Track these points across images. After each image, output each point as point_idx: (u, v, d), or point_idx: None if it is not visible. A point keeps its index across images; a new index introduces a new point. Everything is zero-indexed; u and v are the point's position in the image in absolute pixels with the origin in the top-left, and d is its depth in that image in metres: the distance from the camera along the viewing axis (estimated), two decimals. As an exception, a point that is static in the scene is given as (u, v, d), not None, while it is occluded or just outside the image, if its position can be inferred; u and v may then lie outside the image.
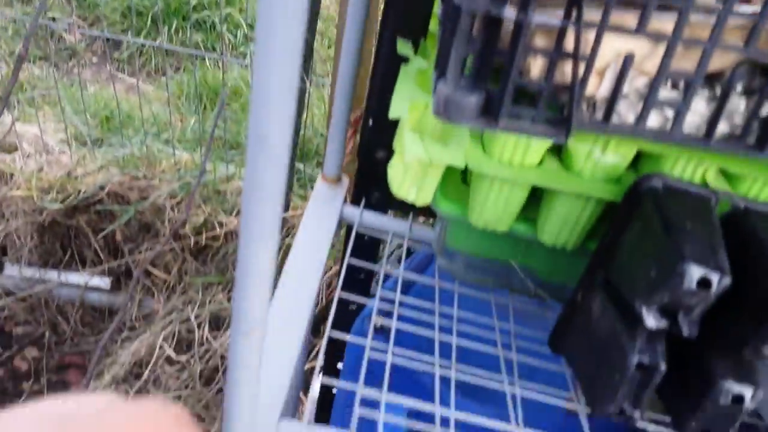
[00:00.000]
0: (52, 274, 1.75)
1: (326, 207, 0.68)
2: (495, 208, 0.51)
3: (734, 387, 0.45)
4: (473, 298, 0.65)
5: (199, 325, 1.59)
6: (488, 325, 0.60)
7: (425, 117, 0.51)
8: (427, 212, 0.77)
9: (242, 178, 1.64)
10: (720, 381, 0.45)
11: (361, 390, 0.48)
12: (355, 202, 0.73)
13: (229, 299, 1.59)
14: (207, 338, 1.57)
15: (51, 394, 1.36)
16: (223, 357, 1.56)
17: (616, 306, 0.48)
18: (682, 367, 0.49)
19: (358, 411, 0.46)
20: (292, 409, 0.51)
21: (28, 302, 1.77)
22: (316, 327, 1.49)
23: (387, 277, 0.71)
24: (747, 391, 0.45)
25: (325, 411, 0.91)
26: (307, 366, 1.43)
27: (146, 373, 1.61)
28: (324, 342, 0.54)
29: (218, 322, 1.62)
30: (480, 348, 0.57)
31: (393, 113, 0.51)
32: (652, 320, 0.43)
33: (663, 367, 0.44)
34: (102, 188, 1.58)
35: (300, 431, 0.47)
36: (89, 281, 1.76)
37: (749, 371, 0.46)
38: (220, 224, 1.53)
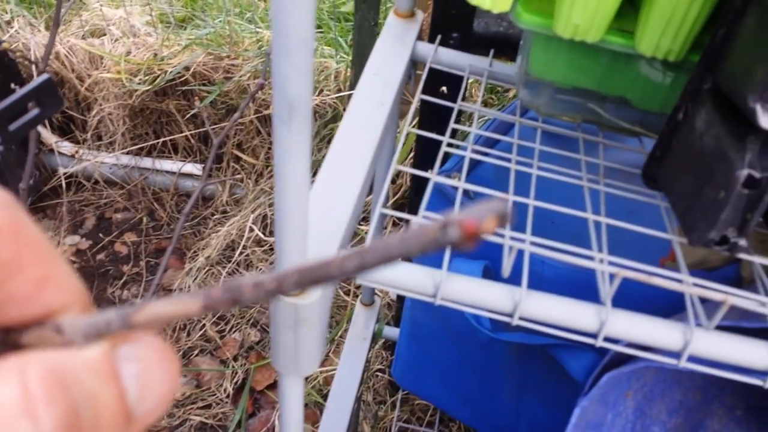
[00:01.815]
0: (147, 162, 1.78)
1: (398, 43, 0.62)
2: (586, 6, 0.44)
3: None
4: (558, 137, 0.59)
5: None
6: (574, 160, 0.54)
7: None
8: (511, 53, 0.70)
9: (323, 56, 1.59)
10: None
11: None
12: (432, 42, 0.67)
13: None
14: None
15: (149, 276, 1.39)
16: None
17: (724, 116, 0.40)
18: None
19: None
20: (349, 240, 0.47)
21: (125, 189, 1.82)
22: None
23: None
24: None
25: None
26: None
27: (236, 254, 1.64)
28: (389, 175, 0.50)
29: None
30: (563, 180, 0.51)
31: None
32: (767, 120, 0.36)
33: (778, 181, 0.38)
34: (187, 69, 1.57)
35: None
36: (182, 168, 1.78)
37: None
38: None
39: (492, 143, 0.74)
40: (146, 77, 1.59)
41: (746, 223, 0.40)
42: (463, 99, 0.60)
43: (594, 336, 0.43)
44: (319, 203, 0.45)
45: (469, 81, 0.84)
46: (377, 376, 1.45)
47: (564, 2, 0.45)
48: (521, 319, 0.43)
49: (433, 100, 0.58)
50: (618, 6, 0.45)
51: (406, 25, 0.64)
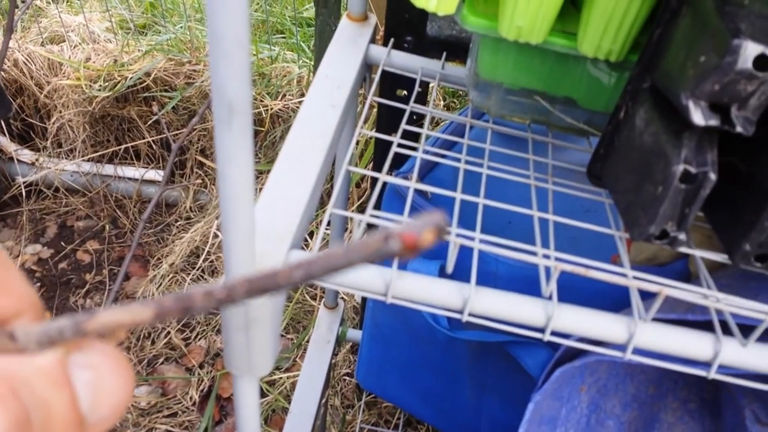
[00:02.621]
0: (109, 169, 1.77)
1: (350, 46, 0.63)
2: (528, 8, 0.45)
3: (797, 199, 0.39)
4: (512, 138, 0.60)
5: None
6: (525, 159, 0.55)
7: None
8: (463, 55, 0.71)
9: (285, 61, 1.59)
10: (780, 192, 0.39)
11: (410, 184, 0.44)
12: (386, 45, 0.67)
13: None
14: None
15: (112, 284, 1.38)
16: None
17: (661, 114, 0.42)
18: (735, 186, 0.43)
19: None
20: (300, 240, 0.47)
21: (87, 197, 1.80)
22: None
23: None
24: (813, 204, 0.39)
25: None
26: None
27: (201, 261, 1.63)
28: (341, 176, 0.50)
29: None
30: (511, 179, 0.52)
31: None
32: (699, 116, 0.37)
33: (713, 176, 0.39)
34: (148, 74, 1.56)
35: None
36: (144, 175, 1.77)
37: (816, 181, 0.39)
38: (265, 107, 1.50)
39: (450, 145, 0.75)
40: (106, 83, 1.58)
41: (685, 217, 0.41)
42: (425, 102, 0.60)
43: (542, 330, 0.43)
44: (269, 205, 0.46)
45: (431, 84, 0.85)
46: (345, 380, 1.45)
47: (507, 5, 0.46)
48: (471, 315, 0.44)
49: (384, 102, 0.59)
50: (560, 8, 0.46)
51: (359, 29, 0.65)
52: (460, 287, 0.44)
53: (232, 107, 0.30)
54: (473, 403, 0.81)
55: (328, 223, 1.36)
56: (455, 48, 0.72)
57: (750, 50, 0.34)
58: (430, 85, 0.67)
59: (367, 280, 0.43)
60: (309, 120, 0.53)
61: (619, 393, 0.62)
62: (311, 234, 1.56)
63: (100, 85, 1.57)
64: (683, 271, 0.63)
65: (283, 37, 1.70)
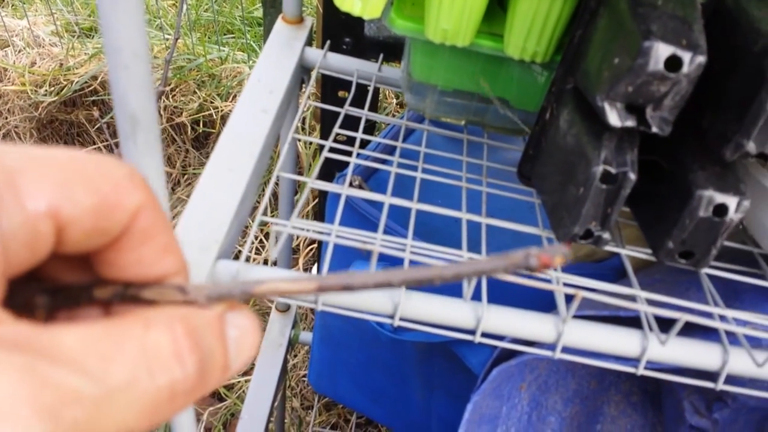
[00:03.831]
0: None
1: (285, 49, 0.62)
2: (452, 11, 0.45)
3: (716, 196, 0.39)
4: (454, 140, 0.60)
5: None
6: (458, 161, 0.55)
7: None
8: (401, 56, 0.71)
9: (236, 61, 1.58)
10: (698, 191, 0.39)
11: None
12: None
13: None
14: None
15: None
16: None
17: (583, 115, 0.42)
18: (659, 185, 0.44)
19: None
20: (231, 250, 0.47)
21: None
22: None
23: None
24: (730, 201, 0.39)
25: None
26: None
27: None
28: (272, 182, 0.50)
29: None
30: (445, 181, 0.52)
31: None
32: (615, 118, 0.37)
33: (632, 176, 0.39)
34: (95, 78, 1.53)
35: (237, 269, 0.43)
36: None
37: (732, 179, 0.40)
38: (216, 109, 1.48)
39: (392, 148, 0.75)
40: (52, 88, 1.54)
41: (608, 217, 0.41)
42: (368, 104, 0.60)
43: (473, 333, 0.43)
44: (195, 215, 0.45)
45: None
46: (304, 381, 1.45)
47: (432, 8, 0.46)
48: (402, 320, 0.44)
49: (319, 105, 0.58)
50: (484, 10, 0.46)
51: (294, 31, 0.64)
52: (390, 292, 0.43)
53: (135, 120, 0.30)
54: (423, 403, 0.81)
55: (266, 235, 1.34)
56: (394, 49, 0.72)
57: (661, 51, 0.34)
58: (369, 88, 0.66)
59: (297, 285, 0.43)
60: (239, 126, 0.53)
61: (560, 389, 0.63)
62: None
63: (46, 90, 1.54)
64: (619, 266, 0.64)
65: (233, 37, 1.68)
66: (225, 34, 1.69)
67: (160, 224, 0.21)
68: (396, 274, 0.20)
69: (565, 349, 0.43)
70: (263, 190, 1.36)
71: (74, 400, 0.16)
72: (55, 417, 0.16)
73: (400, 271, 0.20)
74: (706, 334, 0.45)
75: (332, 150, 0.52)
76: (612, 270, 0.63)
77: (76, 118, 1.64)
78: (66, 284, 0.22)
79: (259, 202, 1.33)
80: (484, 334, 0.44)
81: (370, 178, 0.80)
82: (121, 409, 0.17)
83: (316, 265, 1.49)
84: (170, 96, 1.48)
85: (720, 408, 0.62)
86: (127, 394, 0.17)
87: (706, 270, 0.46)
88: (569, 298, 0.41)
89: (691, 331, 0.45)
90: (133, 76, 0.28)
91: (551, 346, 0.44)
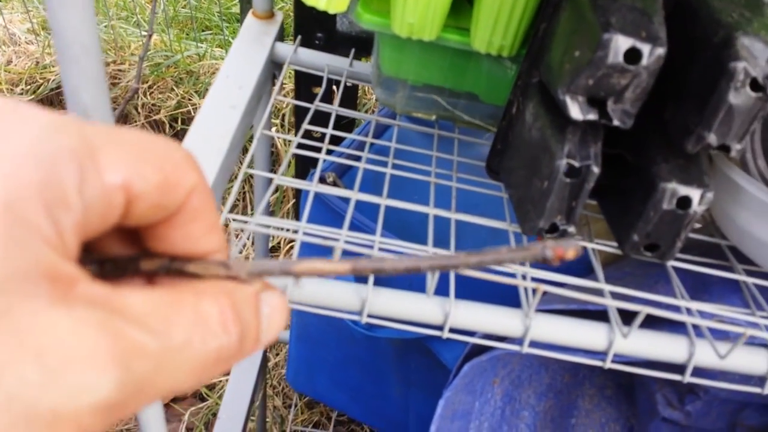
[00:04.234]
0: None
1: (255, 45, 0.62)
2: (417, 5, 0.44)
3: (679, 189, 0.39)
4: (416, 135, 0.59)
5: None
6: (428, 156, 0.55)
7: None
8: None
9: (214, 58, 1.57)
10: (661, 183, 0.39)
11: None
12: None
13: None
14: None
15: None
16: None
17: (547, 108, 0.42)
18: (625, 178, 0.44)
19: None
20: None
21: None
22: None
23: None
24: (694, 193, 0.40)
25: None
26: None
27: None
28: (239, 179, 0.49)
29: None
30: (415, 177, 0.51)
31: None
32: (577, 111, 0.37)
33: (596, 169, 0.39)
34: (71, 76, 1.51)
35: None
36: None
37: (696, 172, 0.40)
38: (194, 106, 1.47)
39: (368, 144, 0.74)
40: (28, 86, 1.53)
41: (572, 210, 0.41)
42: (349, 101, 0.59)
43: (440, 328, 0.43)
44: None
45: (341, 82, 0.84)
46: (286, 379, 1.44)
47: (397, 2, 0.45)
48: (371, 316, 0.43)
49: (288, 101, 0.58)
50: (450, 4, 0.46)
51: (265, 27, 0.64)
52: (357, 288, 0.43)
53: (87, 114, 0.29)
54: (401, 400, 0.81)
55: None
56: (366, 44, 0.72)
57: (621, 44, 0.34)
58: (340, 83, 0.66)
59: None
60: (207, 122, 0.52)
61: (534, 383, 0.63)
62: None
63: (22, 89, 1.53)
64: (590, 260, 0.64)
65: (211, 34, 1.67)
66: (203, 31, 1.68)
67: (209, 205, 0.23)
68: (424, 260, 0.22)
69: (535, 344, 0.43)
70: (239, 187, 1.35)
71: (143, 354, 0.18)
72: (126, 367, 0.18)
73: (428, 258, 0.22)
74: (675, 327, 0.45)
75: (304, 147, 0.52)
76: (583, 264, 0.62)
77: (53, 116, 1.62)
78: (113, 255, 0.24)
79: (225, 199, 1.33)
80: (453, 330, 0.44)
81: (345, 174, 0.79)
82: (177, 367, 0.19)
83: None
84: (148, 93, 1.47)
85: (692, 400, 0.62)
86: (183, 353, 0.19)
87: (673, 263, 0.46)
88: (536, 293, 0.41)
89: (660, 324, 0.45)
90: (84, 71, 0.28)
91: (519, 341, 0.44)
